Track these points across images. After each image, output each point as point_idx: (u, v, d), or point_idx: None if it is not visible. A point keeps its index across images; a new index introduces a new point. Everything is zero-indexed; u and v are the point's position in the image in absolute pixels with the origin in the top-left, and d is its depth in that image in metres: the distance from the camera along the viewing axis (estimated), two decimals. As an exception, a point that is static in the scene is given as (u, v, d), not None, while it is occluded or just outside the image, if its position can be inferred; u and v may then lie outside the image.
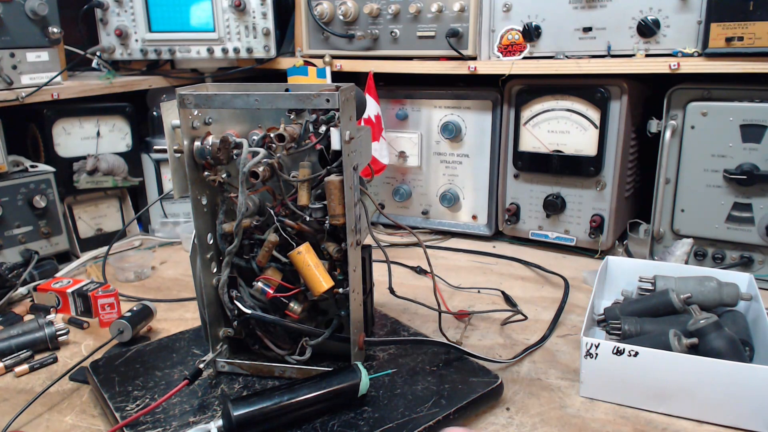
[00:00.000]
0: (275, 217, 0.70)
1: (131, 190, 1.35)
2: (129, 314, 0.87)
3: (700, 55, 0.99)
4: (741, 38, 0.94)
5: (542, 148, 1.17)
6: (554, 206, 1.18)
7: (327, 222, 0.68)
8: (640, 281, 0.90)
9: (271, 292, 0.70)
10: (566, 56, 1.10)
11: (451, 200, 1.29)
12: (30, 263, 1.07)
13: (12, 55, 1.10)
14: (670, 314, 0.80)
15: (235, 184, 0.70)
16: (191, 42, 1.29)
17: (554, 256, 1.21)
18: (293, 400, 0.63)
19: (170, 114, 0.67)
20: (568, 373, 0.78)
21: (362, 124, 1.18)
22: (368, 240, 0.75)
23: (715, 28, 0.96)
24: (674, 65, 1.00)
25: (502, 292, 1.02)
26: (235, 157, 0.68)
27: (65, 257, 1.21)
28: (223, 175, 0.70)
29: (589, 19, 1.08)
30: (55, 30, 1.14)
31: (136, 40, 1.29)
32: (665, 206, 1.08)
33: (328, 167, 0.67)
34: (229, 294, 0.72)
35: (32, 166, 1.16)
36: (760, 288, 0.84)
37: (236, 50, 1.30)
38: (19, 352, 0.82)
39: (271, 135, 0.68)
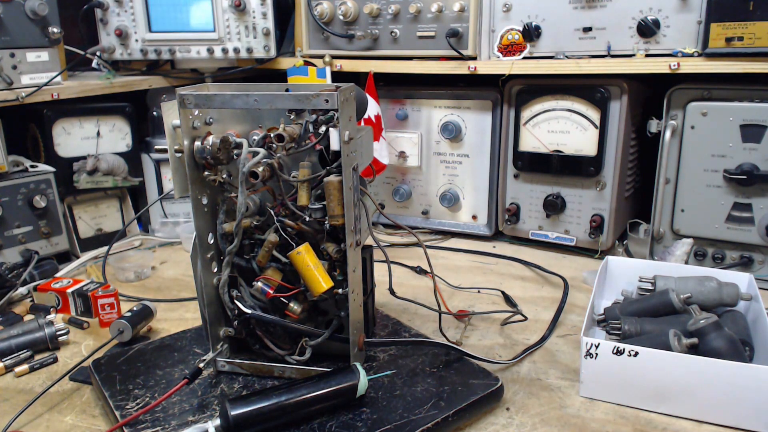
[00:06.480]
0: (275, 217, 0.70)
1: (131, 190, 1.35)
2: (129, 314, 0.88)
3: (700, 55, 0.99)
4: (741, 38, 0.94)
5: (542, 148, 1.17)
6: (554, 206, 1.18)
7: (326, 222, 0.68)
8: (640, 281, 0.90)
9: (270, 292, 0.70)
10: (566, 56, 1.10)
11: (451, 200, 1.29)
12: (30, 263, 1.07)
13: (12, 55, 1.10)
14: (670, 314, 0.80)
15: (235, 183, 0.70)
16: (191, 42, 1.29)
17: (554, 256, 1.21)
18: (291, 400, 0.63)
19: (171, 114, 0.67)
20: (568, 373, 0.78)
21: (362, 124, 1.18)
22: (368, 240, 0.75)
23: (715, 28, 0.96)
24: (674, 65, 1.00)
25: (502, 292, 1.02)
26: (235, 157, 0.68)
27: (65, 257, 1.21)
28: (224, 175, 0.70)
29: (589, 19, 1.08)
30: (55, 30, 1.14)
31: (136, 40, 1.29)
32: (665, 206, 1.08)
33: (328, 167, 0.67)
34: (230, 293, 0.72)
35: (32, 166, 1.16)
36: (760, 288, 0.84)
37: (236, 50, 1.30)
38: (19, 352, 0.82)
39: (271, 135, 0.68)
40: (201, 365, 0.70)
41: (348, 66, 1.28)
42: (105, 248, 1.20)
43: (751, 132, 0.97)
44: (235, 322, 0.73)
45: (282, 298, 0.71)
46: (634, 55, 1.05)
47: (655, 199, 1.08)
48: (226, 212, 0.72)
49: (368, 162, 0.76)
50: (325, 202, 0.67)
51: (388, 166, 1.31)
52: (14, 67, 1.11)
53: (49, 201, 1.15)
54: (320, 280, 0.68)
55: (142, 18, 1.27)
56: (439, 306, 0.83)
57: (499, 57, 1.16)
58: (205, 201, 0.71)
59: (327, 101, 0.63)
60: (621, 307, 0.84)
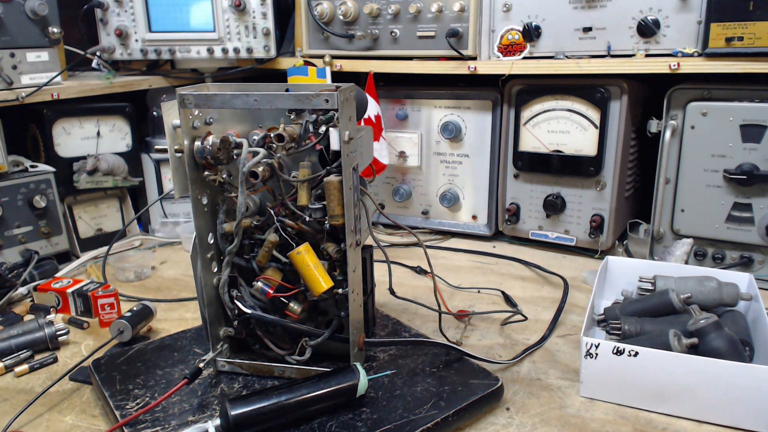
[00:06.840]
0: (275, 217, 0.70)
1: (131, 190, 1.35)
2: (129, 314, 0.88)
3: (700, 55, 0.99)
4: (741, 38, 0.94)
5: (542, 148, 1.17)
6: (554, 206, 1.18)
7: (326, 222, 0.68)
8: (640, 281, 0.90)
9: (270, 291, 0.70)
10: (566, 56, 1.10)
11: (451, 200, 1.29)
12: (30, 263, 1.07)
13: (12, 55, 1.10)
14: (670, 314, 0.80)
15: (235, 183, 0.70)
16: (191, 42, 1.29)
17: (554, 256, 1.21)
18: (291, 400, 0.63)
19: (171, 114, 0.67)
20: (568, 373, 0.78)
21: (362, 124, 1.18)
22: (368, 240, 0.75)
23: (715, 28, 0.96)
24: (674, 65, 1.00)
25: (502, 292, 1.02)
26: (235, 157, 0.68)
27: (65, 257, 1.21)
28: (224, 175, 0.70)
29: (589, 19, 1.08)
30: (55, 30, 1.14)
31: (136, 40, 1.29)
32: (665, 206, 1.08)
33: (328, 167, 0.67)
34: (230, 293, 0.72)
35: (32, 166, 1.16)
36: (760, 288, 0.84)
37: (236, 50, 1.30)
38: (19, 352, 0.82)
39: (271, 135, 0.68)
40: (201, 365, 0.70)
41: (348, 66, 1.28)
42: (105, 248, 1.20)
43: (751, 132, 0.97)
44: (235, 322, 0.73)
45: (282, 298, 0.71)
46: (634, 55, 1.05)
47: (655, 199, 1.08)
48: (226, 212, 0.72)
49: (368, 162, 0.76)
50: (325, 202, 0.67)
51: (388, 166, 1.31)
52: (14, 67, 1.11)
53: (49, 201, 1.15)
54: (320, 280, 0.68)
55: (142, 18, 1.27)
56: (439, 306, 0.83)
57: (499, 57, 1.16)
58: (205, 201, 0.71)
59: (327, 101, 0.63)
60: (621, 307, 0.84)
